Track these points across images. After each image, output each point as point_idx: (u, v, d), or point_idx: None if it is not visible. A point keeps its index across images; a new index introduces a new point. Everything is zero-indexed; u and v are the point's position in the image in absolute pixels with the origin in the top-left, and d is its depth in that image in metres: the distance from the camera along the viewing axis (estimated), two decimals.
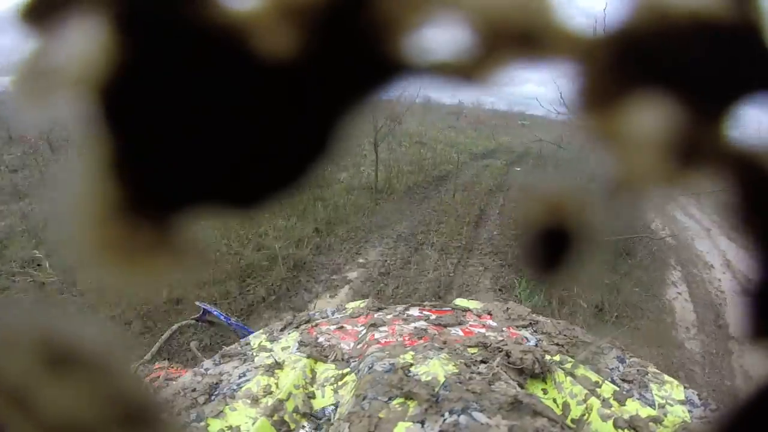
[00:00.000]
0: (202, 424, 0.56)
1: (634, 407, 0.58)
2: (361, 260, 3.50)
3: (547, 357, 0.66)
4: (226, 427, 0.56)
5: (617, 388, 0.61)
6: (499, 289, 3.12)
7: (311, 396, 0.62)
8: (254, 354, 0.75)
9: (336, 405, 0.59)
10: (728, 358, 2.69)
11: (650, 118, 0.12)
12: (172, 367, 1.18)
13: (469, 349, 0.67)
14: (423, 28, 0.11)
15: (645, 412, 0.56)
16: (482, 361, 0.63)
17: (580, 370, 0.65)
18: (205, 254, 0.12)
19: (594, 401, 0.58)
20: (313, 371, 0.68)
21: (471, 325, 0.80)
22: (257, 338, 0.82)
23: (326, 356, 0.71)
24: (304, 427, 0.56)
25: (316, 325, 0.85)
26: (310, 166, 0.12)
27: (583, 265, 0.14)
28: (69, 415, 0.12)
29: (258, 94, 0.11)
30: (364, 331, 0.77)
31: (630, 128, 0.12)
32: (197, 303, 1.50)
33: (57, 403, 0.12)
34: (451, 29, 0.11)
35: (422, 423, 0.47)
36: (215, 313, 1.46)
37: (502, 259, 3.56)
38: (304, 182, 0.12)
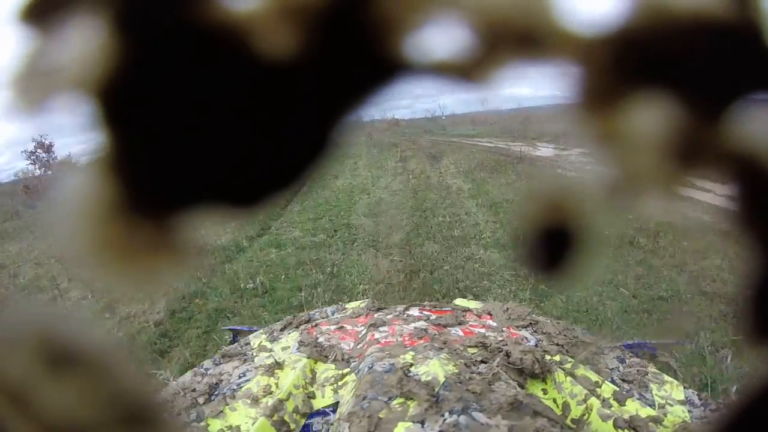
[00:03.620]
0: (202, 424, 0.56)
1: (634, 407, 0.58)
2: None
3: (547, 357, 0.66)
4: (226, 427, 0.56)
5: (617, 388, 0.61)
6: None
7: (311, 396, 0.62)
8: (254, 354, 0.75)
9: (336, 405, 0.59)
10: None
11: (650, 118, 0.12)
12: None
13: (469, 349, 0.67)
14: (423, 28, 0.11)
15: (645, 412, 0.56)
16: (482, 361, 0.63)
17: (580, 370, 0.65)
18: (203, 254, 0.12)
19: (594, 401, 0.58)
20: (313, 371, 0.68)
21: (471, 325, 0.80)
22: (257, 338, 0.82)
23: (326, 356, 0.71)
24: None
25: (316, 325, 0.85)
26: (310, 166, 0.12)
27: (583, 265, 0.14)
28: (69, 415, 0.12)
29: (258, 94, 0.11)
30: (364, 331, 0.77)
31: (630, 128, 0.12)
32: (224, 329, 1.48)
33: (57, 403, 0.12)
34: (451, 29, 0.11)
35: (422, 423, 0.47)
36: (245, 329, 1.41)
37: None
38: (303, 182, 0.12)
